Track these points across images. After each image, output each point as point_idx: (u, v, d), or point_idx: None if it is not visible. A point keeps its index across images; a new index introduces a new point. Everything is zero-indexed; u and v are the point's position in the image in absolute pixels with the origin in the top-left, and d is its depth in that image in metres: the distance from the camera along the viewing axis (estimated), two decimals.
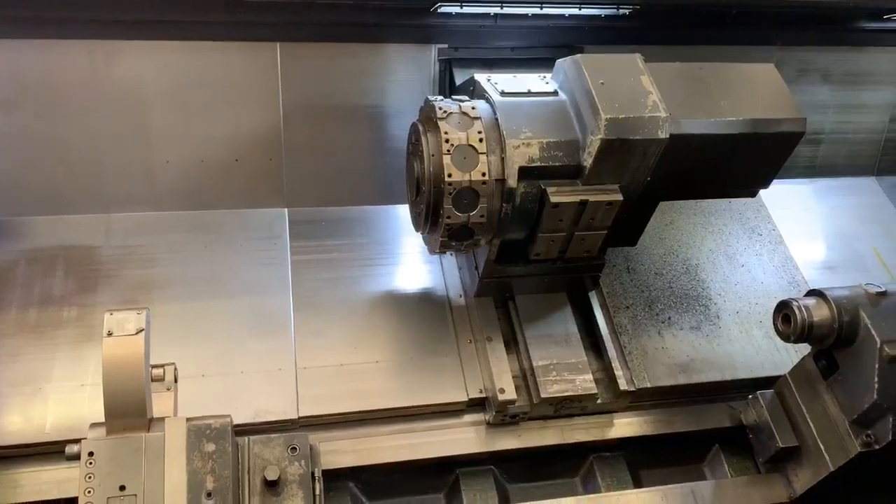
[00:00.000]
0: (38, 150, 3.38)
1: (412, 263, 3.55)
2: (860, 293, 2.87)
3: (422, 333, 3.33)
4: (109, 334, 2.15)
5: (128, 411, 2.14)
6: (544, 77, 3.00)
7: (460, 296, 3.46)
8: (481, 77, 2.99)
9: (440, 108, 2.79)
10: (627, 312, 3.47)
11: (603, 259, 3.18)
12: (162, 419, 2.24)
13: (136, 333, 2.16)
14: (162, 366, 2.58)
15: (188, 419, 2.26)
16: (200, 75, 3.46)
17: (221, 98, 3.51)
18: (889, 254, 4.02)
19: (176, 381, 2.61)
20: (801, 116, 2.90)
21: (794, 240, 3.94)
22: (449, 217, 2.76)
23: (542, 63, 3.61)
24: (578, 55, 2.82)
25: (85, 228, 3.46)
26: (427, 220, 2.89)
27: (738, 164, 2.99)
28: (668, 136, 2.71)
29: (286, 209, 3.67)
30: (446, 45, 3.56)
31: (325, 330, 3.27)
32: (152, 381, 2.53)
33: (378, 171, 3.78)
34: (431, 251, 3.08)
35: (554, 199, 2.74)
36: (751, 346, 3.48)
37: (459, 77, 3.58)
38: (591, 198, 2.77)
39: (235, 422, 2.91)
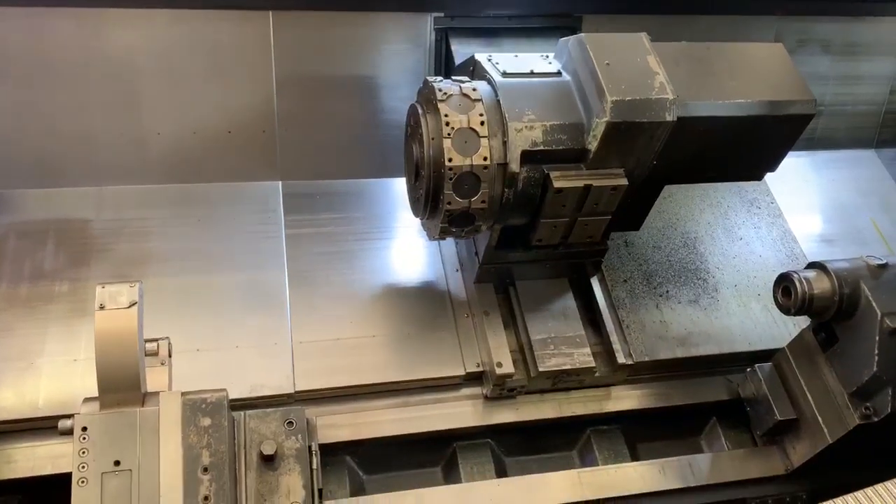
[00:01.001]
0: (26, 122, 3.32)
1: (408, 238, 3.51)
2: (861, 265, 2.85)
3: (418, 308, 3.29)
4: (101, 307, 2.11)
5: (121, 385, 2.10)
6: (547, 57, 2.93)
7: (457, 270, 3.42)
8: (482, 57, 2.91)
9: (440, 90, 2.71)
10: (625, 286, 3.45)
11: (606, 244, 3.13)
12: (156, 393, 2.21)
13: (129, 306, 2.12)
14: (156, 340, 2.55)
15: (183, 393, 2.23)
16: (191, 45, 3.38)
17: (213, 68, 3.44)
18: (888, 226, 3.99)
19: (170, 355, 2.58)
20: (811, 98, 2.83)
21: (793, 213, 3.91)
22: (449, 203, 2.70)
23: (542, 33, 3.57)
24: (583, 35, 2.74)
25: (76, 201, 3.41)
26: (427, 205, 2.83)
27: (746, 147, 2.93)
28: (675, 118, 2.64)
29: (280, 182, 3.62)
30: (442, 14, 3.48)
31: (321, 304, 3.23)
32: (146, 355, 2.50)
33: (373, 143, 3.72)
34: (431, 237, 3.02)
35: (557, 183, 2.68)
36: (749, 319, 3.46)
37: (456, 47, 3.51)
38: (596, 182, 2.71)
39: (231, 397, 2.87)
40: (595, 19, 3.64)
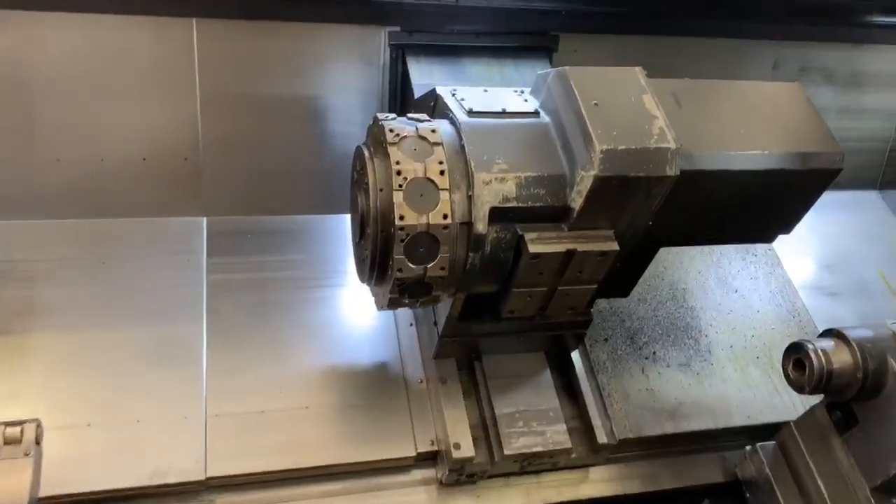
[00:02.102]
0: None
1: (355, 285, 2.97)
2: (886, 334, 2.41)
3: (363, 373, 2.80)
4: None
5: None
6: (521, 92, 2.43)
7: (411, 324, 2.93)
8: (444, 91, 2.41)
9: (391, 131, 2.19)
10: (606, 346, 2.98)
11: (590, 315, 2.60)
12: None
13: None
14: (19, 424, 2.04)
15: None
16: (100, 56, 2.87)
17: (126, 84, 2.93)
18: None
19: (38, 442, 2.07)
20: (838, 150, 2.37)
21: (792, 260, 3.51)
22: (400, 269, 2.17)
23: (513, 54, 3.13)
24: (566, 68, 2.24)
25: None
26: (373, 269, 2.30)
27: (760, 206, 2.45)
28: (678, 172, 2.15)
29: (204, 218, 3.12)
30: (398, 28, 3.01)
31: (245, 368, 2.72)
32: (4, 444, 1.98)
33: (316, 174, 3.24)
34: (379, 307, 2.48)
35: (533, 248, 2.16)
36: (747, 386, 3.02)
37: (414, 67, 3.03)
38: (580, 247, 2.19)
39: (127, 484, 2.40)
40: (574, 39, 3.20)
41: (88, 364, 2.64)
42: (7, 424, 2.02)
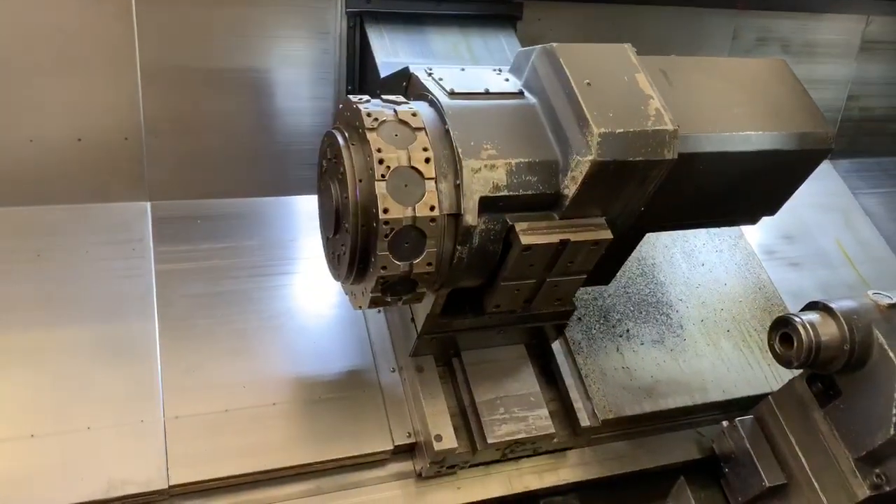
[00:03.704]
0: None
1: (317, 271, 2.79)
2: (869, 306, 2.41)
3: (332, 364, 2.63)
4: None
5: None
6: (500, 71, 2.26)
7: (378, 310, 2.77)
8: (419, 70, 2.22)
9: (369, 115, 1.99)
10: (580, 326, 2.91)
11: (573, 305, 2.48)
12: None
13: None
14: None
15: None
16: (27, 25, 2.58)
17: (58, 58, 2.66)
18: (853, 247, 3.66)
19: None
20: (829, 130, 2.32)
21: (753, 233, 3.51)
22: (384, 267, 1.99)
23: (477, 22, 2.97)
24: (553, 45, 2.08)
25: None
26: (352, 267, 2.10)
27: (751, 188, 2.39)
28: (676, 156, 2.04)
29: (148, 203, 2.87)
30: None
31: (203, 364, 2.52)
32: None
33: (268, 153, 3.03)
34: (356, 306, 2.27)
35: (526, 239, 2.01)
36: (720, 360, 3.00)
37: (374, 37, 2.84)
38: (574, 236, 2.05)
39: (82, 499, 2.20)
40: (537, 7, 3.07)
41: (28, 367, 2.40)
42: None
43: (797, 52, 3.69)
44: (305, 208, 2.84)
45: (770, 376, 2.94)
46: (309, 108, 2.95)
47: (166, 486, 2.26)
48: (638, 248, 3.21)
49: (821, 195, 3.85)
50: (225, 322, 2.64)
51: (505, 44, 2.94)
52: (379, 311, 2.78)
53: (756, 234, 3.52)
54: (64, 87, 2.70)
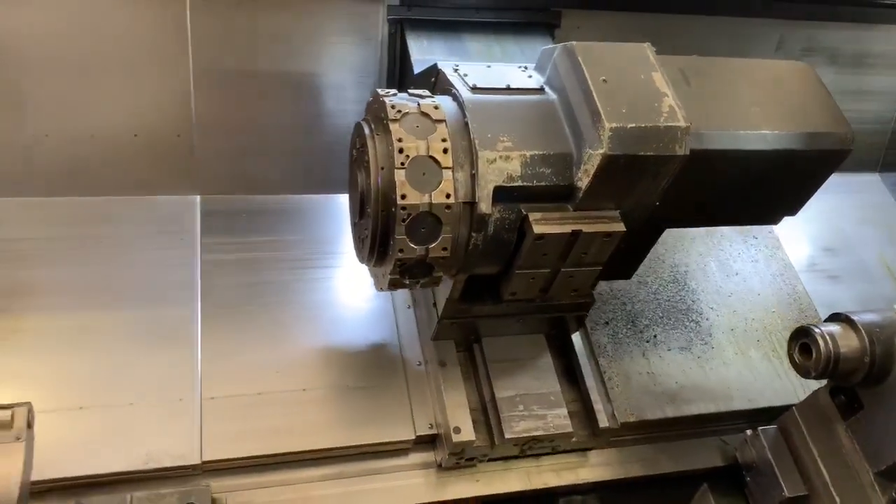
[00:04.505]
0: None
1: (352, 266, 2.92)
2: (893, 319, 2.37)
3: (361, 355, 2.75)
4: None
5: None
6: (525, 68, 2.36)
7: (409, 306, 2.89)
8: (446, 66, 2.34)
9: (392, 107, 2.12)
10: (606, 330, 2.95)
11: (592, 297, 2.55)
12: None
13: None
14: (10, 407, 1.97)
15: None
16: (90, 30, 2.77)
17: (117, 59, 2.84)
18: None
19: (30, 426, 1.99)
20: (849, 131, 2.33)
21: (792, 244, 3.49)
22: (401, 250, 2.11)
23: (514, 30, 3.05)
24: (573, 43, 2.17)
25: None
26: (373, 249, 2.23)
27: (768, 186, 2.41)
28: (688, 152, 2.10)
29: (198, 197, 3.05)
30: (397, 2, 2.93)
31: (241, 349, 2.66)
32: None
33: (312, 152, 3.17)
34: (378, 287, 2.42)
35: (538, 228, 2.11)
36: (748, 370, 2.99)
37: (414, 43, 2.95)
38: (586, 228, 2.13)
39: (121, 469, 2.37)
40: (577, 15, 3.13)
41: (80, 346, 2.58)
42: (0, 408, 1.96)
43: (845, 63, 3.64)
44: (345, 206, 2.94)
45: (798, 388, 2.92)
46: (351, 110, 3.06)
47: (199, 462, 2.40)
48: (672, 254, 3.27)
49: (867, 209, 3.79)
50: (263, 311, 2.79)
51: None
52: (409, 307, 2.89)
53: (795, 245, 3.49)
54: (123, 88, 2.88)
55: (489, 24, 3.02)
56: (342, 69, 3.10)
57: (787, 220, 3.43)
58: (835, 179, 3.78)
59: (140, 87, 2.89)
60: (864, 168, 3.92)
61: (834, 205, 3.77)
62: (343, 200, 3.10)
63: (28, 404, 2.02)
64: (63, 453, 2.32)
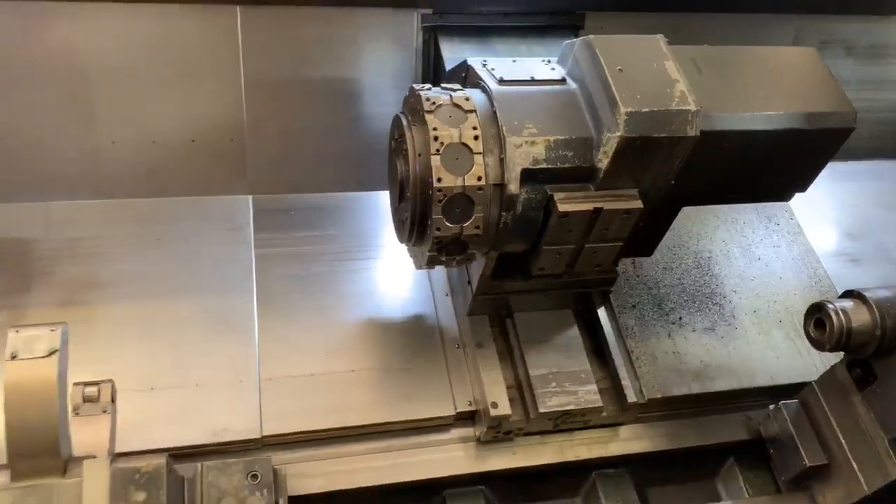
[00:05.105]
0: None
1: (393, 259, 3.15)
2: None
3: (403, 339, 2.94)
4: (14, 357, 1.74)
5: (37, 451, 1.74)
6: (549, 62, 2.57)
7: (447, 294, 3.08)
8: (475, 61, 2.55)
9: (428, 99, 2.34)
10: (634, 312, 3.11)
11: (615, 272, 2.76)
12: (81, 460, 1.84)
13: (48, 355, 1.75)
14: (96, 383, 2.21)
15: (113, 459, 1.86)
16: (150, 43, 3.02)
17: (175, 70, 3.08)
18: None
19: (114, 400, 2.23)
20: (851, 110, 2.49)
21: (813, 229, 3.60)
22: (438, 228, 2.33)
23: (540, 33, 3.24)
24: (591, 37, 2.38)
25: (20, 218, 3.03)
26: (413, 230, 2.46)
27: (776, 164, 2.58)
28: (698, 133, 2.29)
29: (250, 196, 3.26)
30: (430, 11, 3.14)
31: (294, 335, 2.88)
32: (84, 402, 2.16)
33: (354, 153, 3.37)
34: (417, 266, 2.65)
35: (562, 207, 2.32)
36: (770, 349, 3.13)
37: (446, 48, 3.17)
38: (607, 205, 2.34)
39: (190, 442, 2.58)
40: (599, 17, 3.31)
41: (150, 333, 2.81)
42: (86, 384, 2.16)
43: (861, 55, 3.75)
44: (385, 203, 3.13)
45: (819, 364, 3.03)
46: (390, 112, 3.20)
47: (259, 436, 2.61)
48: (696, 241, 3.43)
49: (887, 194, 3.89)
50: (313, 299, 2.99)
51: None
52: (446, 295, 3.07)
53: (817, 230, 3.60)
54: (180, 96, 3.13)
55: (517, 28, 3.22)
56: (380, 74, 3.31)
57: (807, 207, 3.62)
58: (855, 166, 3.98)
59: (196, 96, 3.13)
60: (885, 155, 4.02)
61: (855, 191, 3.90)
62: (381, 198, 3.34)
63: (111, 381, 2.26)
64: (137, 430, 2.53)
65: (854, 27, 3.70)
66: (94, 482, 1.77)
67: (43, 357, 1.74)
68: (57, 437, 1.75)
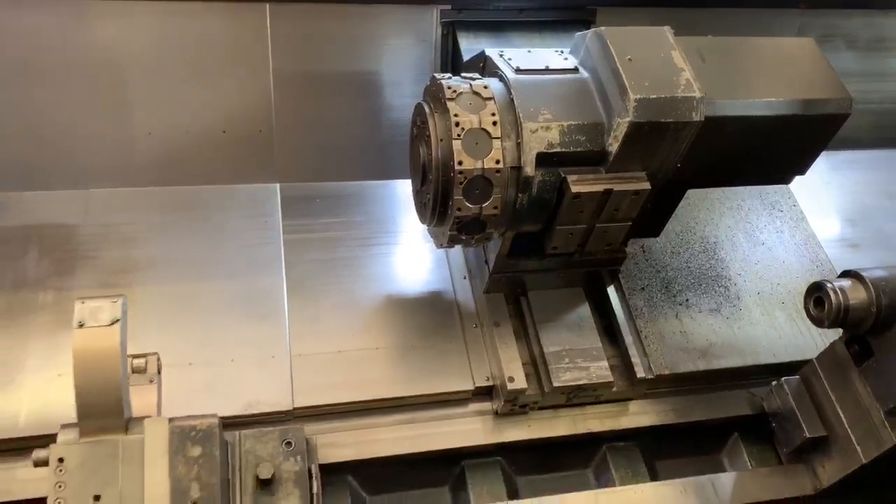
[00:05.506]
0: (6, 121, 3.12)
1: (413, 243, 3.33)
2: None
3: (424, 318, 3.11)
4: (81, 325, 1.92)
5: (102, 411, 1.91)
6: (562, 52, 2.73)
7: (465, 277, 3.25)
8: (493, 52, 2.72)
9: (449, 88, 2.51)
10: (643, 294, 3.27)
11: (624, 252, 2.93)
12: (141, 419, 2.02)
13: (111, 324, 1.93)
14: (144, 356, 2.38)
15: (171, 420, 2.03)
16: (183, 39, 3.19)
17: (207, 64, 3.25)
18: None
19: (159, 372, 2.41)
20: (847, 96, 2.65)
21: (815, 216, 3.74)
22: (459, 209, 2.50)
23: (554, 27, 3.39)
24: (602, 28, 2.54)
25: (61, 205, 3.21)
26: (434, 211, 2.63)
27: (776, 148, 2.74)
28: (703, 118, 2.45)
29: (278, 185, 3.42)
30: (449, 6, 3.29)
31: (321, 315, 3.05)
32: (132, 372, 2.33)
33: (376, 143, 3.54)
34: (438, 245, 2.84)
35: (575, 188, 2.48)
36: (773, 329, 3.28)
37: (464, 42, 3.33)
38: (616, 187, 2.51)
39: (225, 413, 2.72)
40: (610, 12, 3.46)
41: (186, 313, 2.98)
42: (134, 356, 2.33)
43: (863, 48, 3.89)
44: (405, 191, 3.25)
45: (819, 343, 3.17)
46: (409, 104, 3.36)
47: (291, 408, 2.78)
48: (702, 227, 3.58)
49: (889, 183, 4.02)
50: (338, 282, 3.15)
51: None
52: (465, 278, 3.23)
53: (819, 217, 3.74)
54: (212, 89, 3.29)
55: (532, 23, 3.37)
56: (400, 68, 3.46)
57: (810, 195, 3.77)
58: (858, 155, 4.12)
59: (227, 88, 3.30)
60: (886, 145, 4.16)
61: (858, 179, 4.04)
62: (402, 186, 3.51)
63: (156, 354, 2.44)
64: (177, 401, 2.67)
65: (856, 22, 3.84)
66: (155, 438, 1.95)
67: (106, 325, 1.91)
68: (120, 398, 1.92)
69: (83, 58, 3.12)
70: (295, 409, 2.80)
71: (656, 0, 3.51)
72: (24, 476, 2.56)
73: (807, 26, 3.75)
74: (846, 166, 4.03)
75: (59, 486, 1.88)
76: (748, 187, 3.68)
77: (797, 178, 3.29)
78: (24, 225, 3.12)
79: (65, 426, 1.98)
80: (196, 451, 1.98)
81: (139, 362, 2.36)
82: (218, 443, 2.01)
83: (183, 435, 1.99)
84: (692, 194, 3.52)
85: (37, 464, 1.94)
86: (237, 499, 2.26)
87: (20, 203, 3.17)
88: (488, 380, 2.96)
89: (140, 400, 2.28)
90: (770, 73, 2.65)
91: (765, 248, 3.55)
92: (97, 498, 1.87)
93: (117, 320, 1.93)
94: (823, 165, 4.02)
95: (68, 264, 3.05)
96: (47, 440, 2.08)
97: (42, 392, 2.71)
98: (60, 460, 1.90)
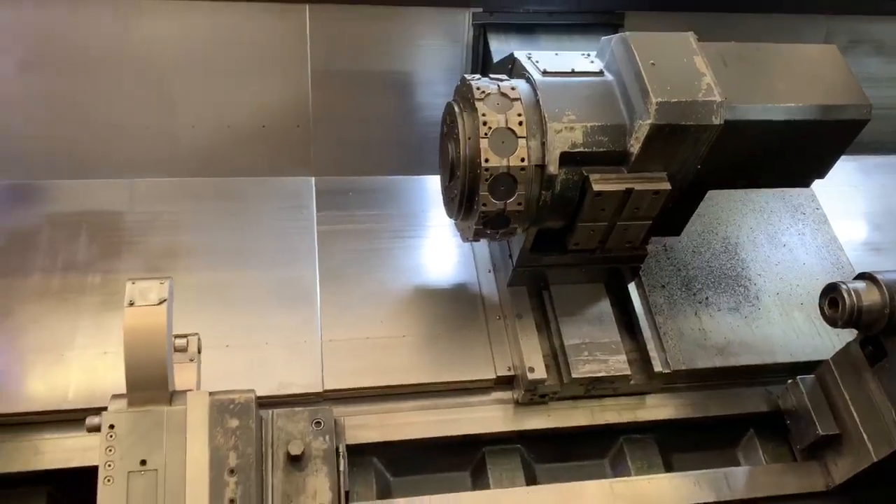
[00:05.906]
0: (60, 113, 3.32)
1: (441, 237, 3.46)
2: None
3: (450, 309, 3.23)
4: (131, 304, 2.08)
5: (149, 384, 2.07)
6: (588, 55, 2.84)
7: (489, 271, 3.36)
8: (521, 55, 2.83)
9: (478, 88, 2.63)
10: (663, 292, 3.35)
11: (645, 250, 3.03)
12: (184, 392, 2.17)
13: (159, 303, 2.09)
14: (185, 336, 2.52)
15: (211, 393, 2.19)
16: (227, 38, 3.35)
17: (248, 62, 3.41)
18: None
19: (199, 351, 2.55)
20: (867, 102, 2.71)
21: (839, 219, 3.78)
22: (485, 204, 2.62)
23: (583, 30, 3.49)
24: (627, 33, 2.64)
25: (108, 194, 3.40)
26: (461, 206, 2.76)
27: (795, 152, 2.82)
28: (722, 122, 2.54)
29: (313, 178, 3.57)
30: (481, 9, 3.41)
31: (352, 303, 3.19)
32: (175, 351, 2.48)
33: (408, 140, 3.67)
34: (464, 238, 2.96)
35: (597, 186, 2.59)
36: (791, 329, 3.34)
37: (495, 43, 3.44)
38: (637, 186, 2.61)
39: (259, 394, 2.85)
40: (638, 16, 3.55)
41: (224, 298, 3.13)
42: (176, 336, 2.48)
43: (892, 53, 3.93)
44: (434, 186, 3.36)
45: (836, 344, 3.21)
46: (441, 102, 3.45)
47: (321, 390, 2.92)
48: (724, 227, 3.65)
49: None
50: (369, 272, 3.29)
51: None
52: (489, 272, 3.34)
53: (842, 220, 3.77)
54: (253, 86, 3.44)
55: (561, 26, 3.48)
56: (433, 68, 3.58)
57: (834, 199, 3.82)
58: (882, 160, 4.14)
59: (267, 85, 3.45)
60: None
61: (882, 183, 4.07)
62: (432, 182, 3.63)
63: (197, 334, 2.59)
64: (215, 380, 2.81)
65: (883, 27, 3.87)
66: (197, 409, 2.10)
67: (155, 304, 2.07)
68: (165, 372, 2.08)
69: (133, 53, 3.29)
70: (325, 391, 2.94)
71: (685, 5, 3.58)
72: (72, 446, 2.75)
73: (834, 31, 3.79)
74: (871, 171, 4.07)
75: (110, 451, 2.04)
76: (772, 190, 3.74)
77: (823, 182, 3.36)
78: (75, 211, 3.30)
79: (115, 396, 2.15)
80: (234, 422, 2.13)
81: (181, 342, 2.50)
82: (254, 416, 2.16)
83: (222, 408, 2.15)
84: (715, 195, 3.62)
85: (90, 429, 2.10)
86: (269, 472, 2.40)
87: (71, 190, 3.36)
88: (510, 370, 3.07)
89: (181, 377, 2.42)
90: (791, 78, 2.72)
91: (786, 249, 3.61)
92: (143, 462, 2.04)
93: (164, 300, 2.09)
94: (852, 169, 4.09)
95: (115, 249, 3.23)
96: (94, 413, 2.24)
97: (89, 368, 2.90)
98: (111, 427, 2.07)
